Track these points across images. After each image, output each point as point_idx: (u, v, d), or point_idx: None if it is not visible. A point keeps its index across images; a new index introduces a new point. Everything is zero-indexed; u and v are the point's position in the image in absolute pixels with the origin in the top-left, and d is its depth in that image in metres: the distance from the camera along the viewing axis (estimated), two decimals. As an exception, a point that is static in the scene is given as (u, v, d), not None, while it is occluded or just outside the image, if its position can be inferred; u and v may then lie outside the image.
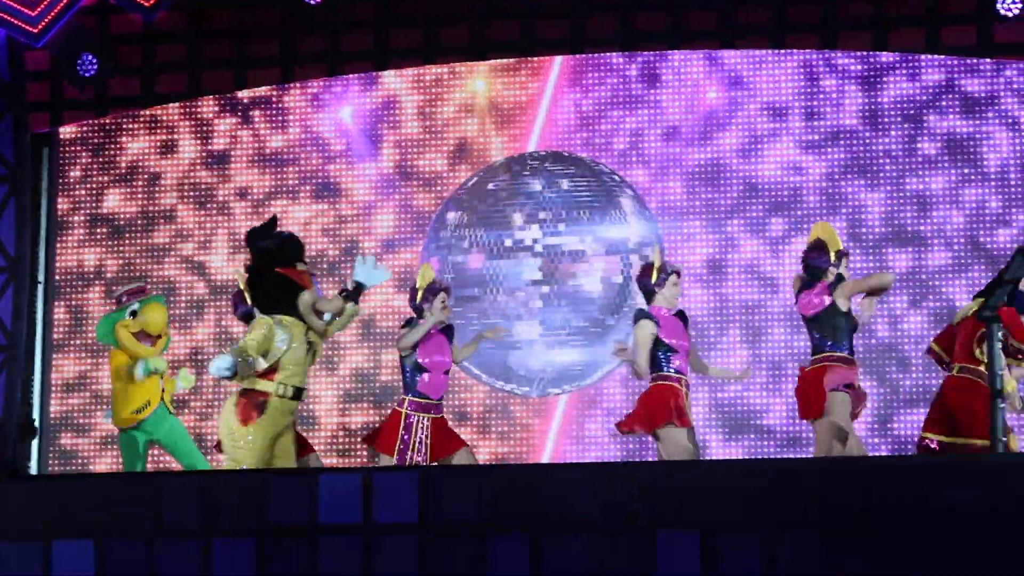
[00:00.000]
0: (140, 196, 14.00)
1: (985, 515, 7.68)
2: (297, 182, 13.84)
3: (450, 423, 10.79)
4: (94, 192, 14.02)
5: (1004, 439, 8.91)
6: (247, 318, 10.38)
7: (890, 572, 7.73)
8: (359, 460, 13.21)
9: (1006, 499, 7.70)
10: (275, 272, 9.63)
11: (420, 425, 10.42)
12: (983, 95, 13.09)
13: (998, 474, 7.91)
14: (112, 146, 14.07)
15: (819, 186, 13.23)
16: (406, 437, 10.42)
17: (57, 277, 13.89)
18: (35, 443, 13.62)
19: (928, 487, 7.84)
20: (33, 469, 13.51)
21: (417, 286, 10.60)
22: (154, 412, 11.49)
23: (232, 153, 13.94)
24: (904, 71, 13.22)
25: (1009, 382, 10.34)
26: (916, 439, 10.61)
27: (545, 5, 13.28)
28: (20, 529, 8.46)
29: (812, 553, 7.80)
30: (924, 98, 13.17)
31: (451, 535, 8.14)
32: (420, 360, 10.47)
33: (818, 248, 10.23)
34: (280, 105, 13.94)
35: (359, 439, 12.82)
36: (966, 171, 13.05)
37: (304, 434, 10.79)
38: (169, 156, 14.02)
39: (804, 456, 12.45)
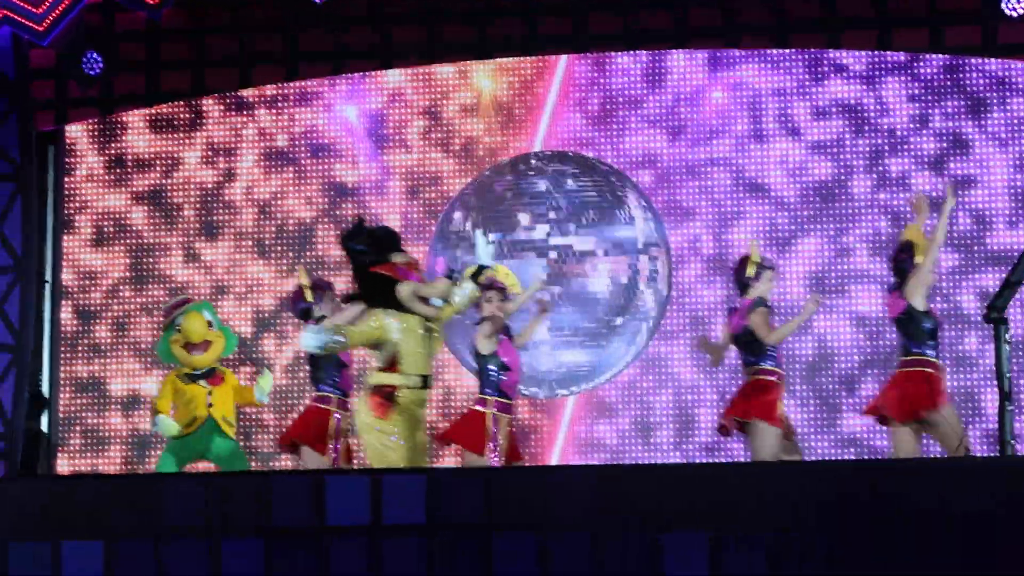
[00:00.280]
0: (147, 194, 13.98)
1: (995, 518, 7.68)
2: (303, 181, 13.83)
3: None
4: (100, 190, 14.01)
5: (1013, 441, 8.92)
6: (305, 315, 10.38)
7: (898, 574, 7.73)
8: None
9: (1016, 503, 7.70)
10: (370, 272, 9.53)
11: (501, 425, 10.45)
12: (989, 95, 13.09)
13: (1011, 477, 7.90)
14: (118, 144, 14.06)
15: (826, 186, 13.22)
16: (495, 433, 10.47)
17: (64, 276, 13.88)
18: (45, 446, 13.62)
19: (938, 489, 7.83)
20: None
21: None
22: (200, 430, 11.45)
23: (238, 151, 13.93)
24: (909, 70, 13.21)
25: None
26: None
27: (549, 4, 13.29)
28: (29, 529, 8.45)
29: (819, 555, 7.80)
30: (929, 98, 13.16)
31: (459, 536, 8.14)
32: (504, 359, 10.50)
33: (906, 249, 10.22)
34: (285, 103, 13.94)
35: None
36: (973, 171, 13.05)
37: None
38: (175, 154, 14.00)
39: (815, 459, 12.47)
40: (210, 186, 13.94)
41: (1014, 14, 12.45)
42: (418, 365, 9.41)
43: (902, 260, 10.16)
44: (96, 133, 14.08)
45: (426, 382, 9.49)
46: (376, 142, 13.76)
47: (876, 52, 13.13)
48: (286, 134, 13.91)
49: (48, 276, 13.81)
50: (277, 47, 13.60)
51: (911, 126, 13.18)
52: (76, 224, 13.98)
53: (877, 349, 12.91)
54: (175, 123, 14.03)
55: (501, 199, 11.64)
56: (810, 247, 13.16)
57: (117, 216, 13.97)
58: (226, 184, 13.93)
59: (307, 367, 11.08)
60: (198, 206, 13.92)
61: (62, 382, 13.79)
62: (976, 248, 12.99)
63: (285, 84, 13.81)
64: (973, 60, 13.03)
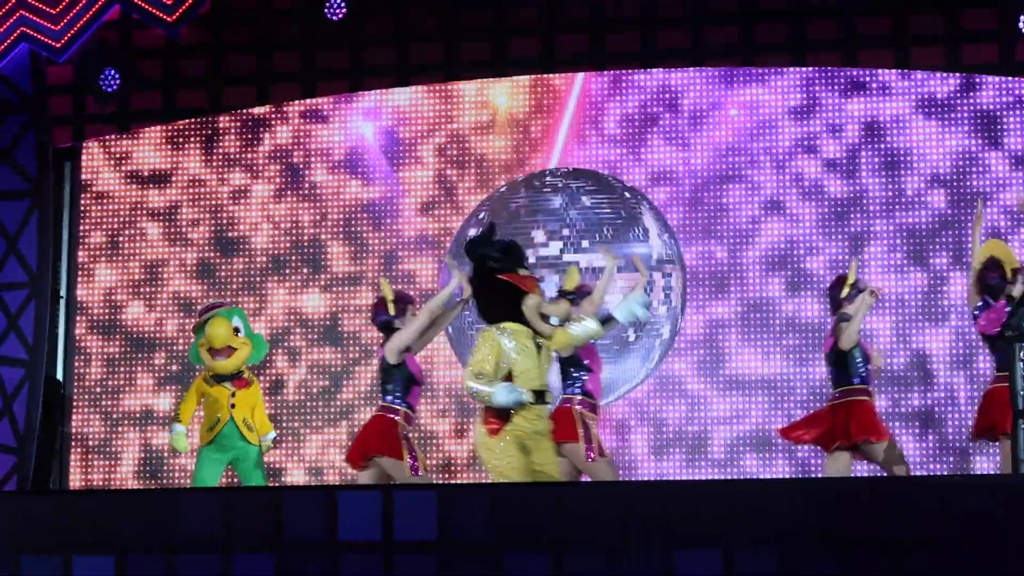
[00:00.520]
0: (162, 210, 14.01)
1: (1008, 535, 7.65)
2: (318, 197, 13.84)
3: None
4: (116, 206, 14.03)
5: (1024, 459, 8.89)
6: (387, 328, 10.39)
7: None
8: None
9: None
10: (498, 279, 9.51)
11: (591, 424, 10.54)
12: (1002, 112, 13.07)
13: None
14: (134, 160, 14.08)
15: (842, 204, 13.20)
16: (587, 435, 10.50)
17: (79, 292, 13.90)
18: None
19: (948, 505, 7.81)
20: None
21: (564, 287, 10.75)
22: (224, 429, 11.45)
23: (254, 167, 13.95)
24: (924, 88, 13.19)
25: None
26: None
27: (566, 22, 13.31)
28: (42, 543, 8.46)
29: (832, 572, 7.78)
30: (945, 115, 13.14)
31: (471, 553, 8.12)
32: (584, 360, 10.55)
33: (992, 266, 10.21)
34: (301, 120, 13.95)
35: None
36: (990, 189, 13.02)
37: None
38: (191, 171, 14.02)
39: (821, 476, 12.42)
40: (225, 202, 13.96)
41: (1032, 32, 12.46)
42: (531, 381, 9.36)
43: (992, 279, 10.20)
44: (113, 149, 14.11)
45: (540, 397, 9.40)
46: (392, 159, 13.77)
47: (893, 71, 13.11)
48: (301, 150, 13.92)
49: (63, 292, 13.83)
50: (294, 64, 13.65)
51: (927, 144, 13.15)
52: (91, 240, 14.00)
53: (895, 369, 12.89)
54: (191, 140, 14.06)
55: (516, 215, 11.65)
56: (823, 264, 13.13)
57: (132, 232, 13.99)
58: (241, 200, 13.94)
59: (377, 377, 10.92)
60: (213, 222, 13.94)
61: (75, 397, 13.81)
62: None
63: (302, 101, 13.83)
64: (990, 79, 13.01)
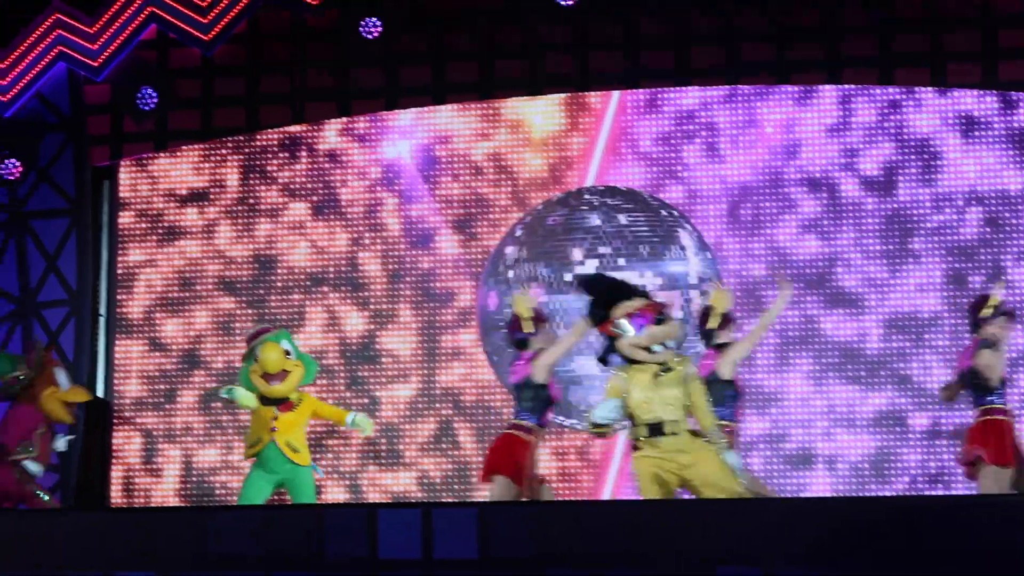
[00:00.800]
0: (200, 228, 14.04)
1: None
2: (354, 215, 13.86)
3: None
4: (154, 224, 14.07)
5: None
6: (521, 346, 10.35)
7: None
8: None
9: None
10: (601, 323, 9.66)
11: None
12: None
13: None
14: (172, 179, 14.12)
15: (880, 222, 13.17)
16: None
17: (118, 310, 13.95)
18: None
19: (986, 526, 7.77)
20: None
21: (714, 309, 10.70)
22: (265, 451, 11.43)
23: (290, 185, 13.97)
24: (960, 105, 13.17)
25: None
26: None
27: (600, 40, 13.33)
28: (84, 560, 8.47)
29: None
30: (980, 134, 13.11)
31: (512, 570, 8.10)
32: (740, 386, 10.56)
33: None
34: (337, 138, 13.98)
35: None
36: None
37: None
38: (229, 189, 14.06)
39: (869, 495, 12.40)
40: (262, 220, 13.98)
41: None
42: (645, 413, 9.37)
43: None
44: (150, 168, 14.16)
45: (657, 429, 9.34)
46: (428, 177, 13.79)
47: (929, 88, 13.09)
48: (337, 169, 13.94)
49: (103, 309, 13.88)
50: (330, 83, 13.69)
51: (964, 161, 13.11)
52: (130, 258, 14.04)
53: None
54: (228, 158, 14.09)
55: (553, 234, 11.66)
56: (859, 282, 13.10)
57: (170, 250, 14.02)
58: (277, 218, 13.95)
59: (512, 394, 10.85)
60: (250, 240, 13.96)
61: (116, 414, 13.84)
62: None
63: (337, 119, 13.87)
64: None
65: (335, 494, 13.43)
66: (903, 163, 13.17)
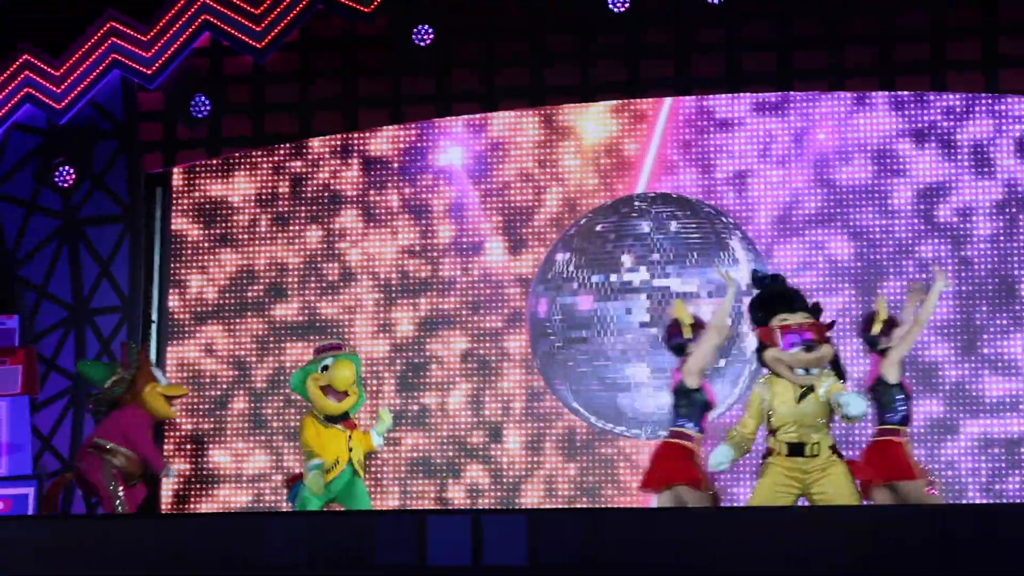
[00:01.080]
0: (251, 235, 14.07)
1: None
2: (405, 223, 13.86)
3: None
4: (207, 231, 14.12)
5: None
6: (680, 350, 10.35)
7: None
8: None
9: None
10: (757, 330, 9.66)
11: None
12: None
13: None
14: (224, 185, 14.17)
15: (937, 233, 13.07)
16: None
17: (170, 316, 14.00)
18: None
19: (1014, 534, 7.72)
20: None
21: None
22: (341, 473, 11.44)
23: (342, 191, 13.99)
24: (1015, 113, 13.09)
25: None
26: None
27: (651, 46, 13.31)
28: (132, 566, 8.51)
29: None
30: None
31: (561, 578, 8.11)
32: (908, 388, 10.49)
33: None
34: (389, 145, 13.99)
35: None
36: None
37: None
38: (280, 195, 14.09)
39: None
40: (313, 228, 14.00)
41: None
42: (788, 433, 9.35)
43: None
44: (203, 175, 14.21)
45: (796, 451, 9.35)
46: (478, 184, 13.79)
47: (984, 95, 13.01)
48: (390, 176, 13.94)
49: (154, 316, 13.95)
50: (381, 90, 13.72)
51: (1018, 168, 13.02)
52: (182, 265, 14.09)
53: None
54: (280, 165, 14.13)
55: (604, 241, 11.62)
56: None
57: (222, 257, 14.07)
58: (328, 225, 13.96)
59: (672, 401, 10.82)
60: (301, 248, 13.98)
61: (167, 421, 13.86)
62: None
63: (390, 126, 13.89)
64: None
65: (386, 502, 13.43)
66: (956, 170, 13.08)
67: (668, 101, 13.56)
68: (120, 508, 11.68)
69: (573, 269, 11.49)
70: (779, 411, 9.30)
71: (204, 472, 13.83)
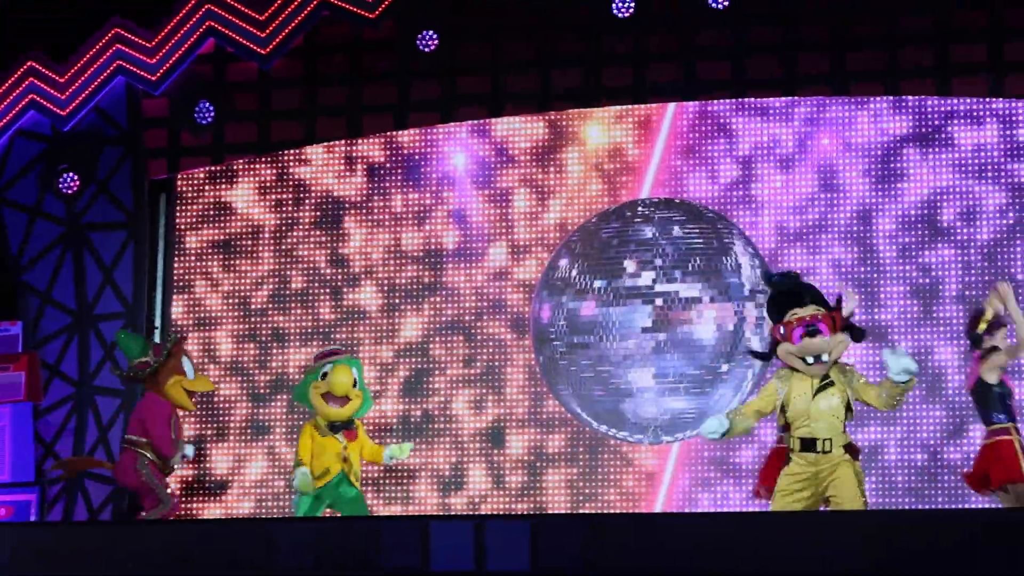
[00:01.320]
0: (255, 242, 14.08)
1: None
2: (411, 228, 13.87)
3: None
4: (211, 238, 14.13)
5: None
6: (976, 343, 10.49)
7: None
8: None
9: None
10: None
11: None
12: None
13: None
14: (229, 192, 14.18)
15: (942, 240, 13.05)
16: None
17: (173, 323, 14.00)
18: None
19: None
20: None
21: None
22: (331, 481, 11.46)
23: (346, 197, 14.00)
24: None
25: None
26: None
27: (656, 52, 13.31)
28: (136, 572, 8.51)
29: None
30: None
31: (564, 584, 8.10)
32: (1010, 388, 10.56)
33: None
34: (394, 151, 13.99)
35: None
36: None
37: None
38: (284, 202, 14.10)
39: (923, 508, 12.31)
40: (318, 234, 14.01)
41: None
42: (801, 428, 9.35)
43: None
44: (207, 181, 14.22)
45: (808, 446, 9.32)
46: (482, 189, 13.79)
47: (987, 99, 13.00)
48: (395, 181, 13.94)
49: (158, 322, 13.95)
50: (386, 96, 13.72)
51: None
52: (185, 271, 14.10)
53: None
54: (285, 172, 14.14)
55: (607, 246, 11.60)
56: (917, 299, 13.02)
57: (226, 263, 14.08)
58: (334, 231, 13.97)
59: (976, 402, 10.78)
60: (306, 254, 13.98)
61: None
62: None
63: (395, 132, 13.89)
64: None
65: (389, 508, 13.44)
66: (963, 177, 13.07)
67: (672, 106, 13.56)
68: (165, 500, 11.72)
69: (576, 274, 11.48)
70: (795, 405, 9.33)
71: (207, 480, 13.82)
